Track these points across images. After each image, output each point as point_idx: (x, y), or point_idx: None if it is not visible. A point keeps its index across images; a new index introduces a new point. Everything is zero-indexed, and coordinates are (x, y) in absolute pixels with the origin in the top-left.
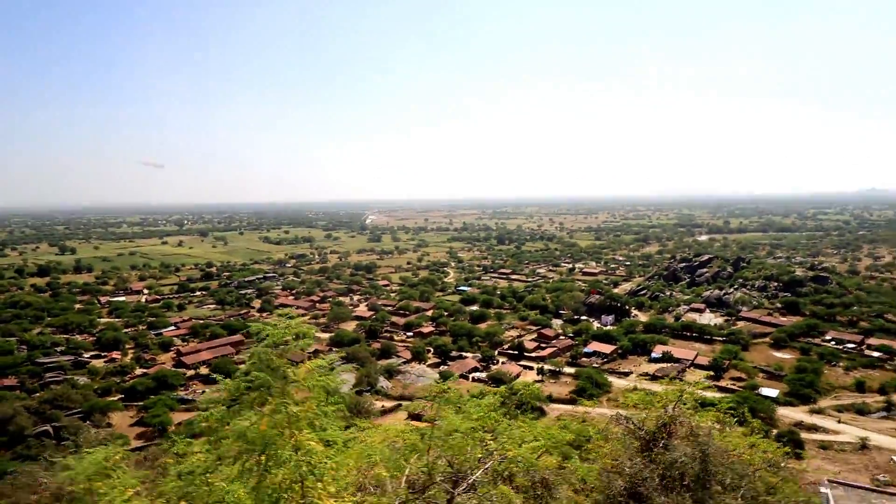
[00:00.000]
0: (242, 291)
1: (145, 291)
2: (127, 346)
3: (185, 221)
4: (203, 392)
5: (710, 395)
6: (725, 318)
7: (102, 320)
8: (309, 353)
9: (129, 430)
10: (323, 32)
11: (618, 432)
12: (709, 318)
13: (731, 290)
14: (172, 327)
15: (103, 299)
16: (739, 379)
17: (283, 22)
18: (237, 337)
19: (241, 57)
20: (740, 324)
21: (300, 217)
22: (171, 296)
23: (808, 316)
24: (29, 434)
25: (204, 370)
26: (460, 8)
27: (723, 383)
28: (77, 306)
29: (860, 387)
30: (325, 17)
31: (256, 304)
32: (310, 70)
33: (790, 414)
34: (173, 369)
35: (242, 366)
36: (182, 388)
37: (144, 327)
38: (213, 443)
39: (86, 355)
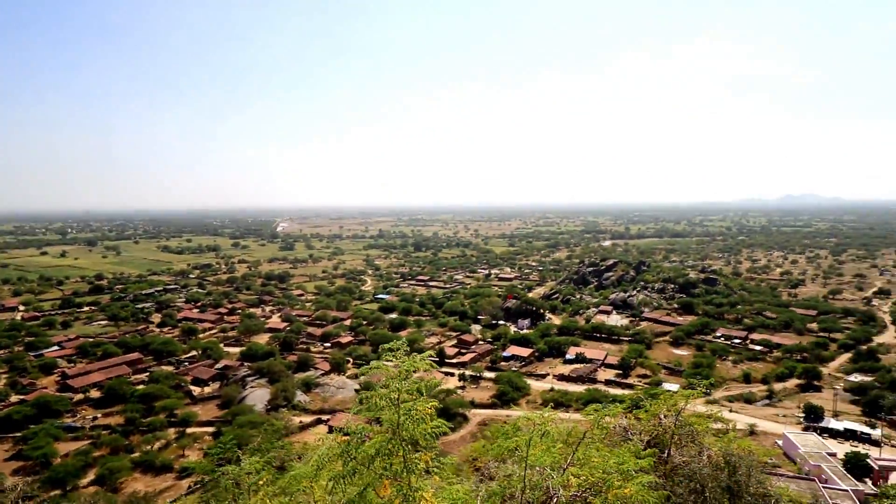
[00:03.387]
0: (139, 305)
1: (21, 308)
2: None
3: (69, 230)
4: (95, 418)
5: (619, 391)
6: (630, 318)
7: None
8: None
9: (3, 465)
10: (231, 33)
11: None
12: (616, 320)
13: (635, 292)
14: (56, 347)
15: None
16: (645, 376)
17: (185, 26)
18: (135, 355)
19: (136, 55)
20: (644, 324)
21: (203, 225)
22: (53, 312)
23: (700, 315)
24: None
25: (95, 393)
26: (368, 11)
27: (630, 380)
28: None
29: (747, 378)
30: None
31: (156, 318)
32: (211, 73)
33: (689, 406)
34: (57, 394)
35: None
36: (69, 415)
37: (21, 348)
38: None
39: None
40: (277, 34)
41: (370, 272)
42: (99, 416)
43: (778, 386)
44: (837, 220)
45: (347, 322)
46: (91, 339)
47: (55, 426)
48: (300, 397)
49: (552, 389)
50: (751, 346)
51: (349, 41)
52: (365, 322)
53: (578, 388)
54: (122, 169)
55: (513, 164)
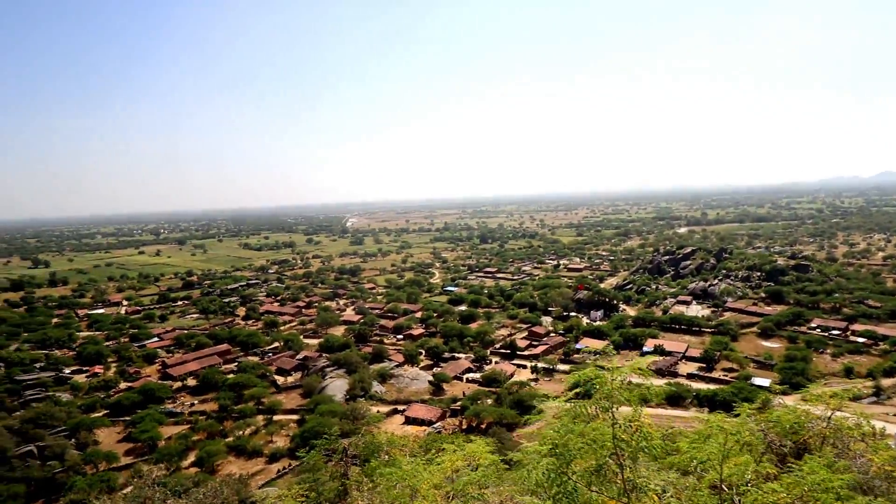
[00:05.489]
0: (226, 299)
1: (124, 303)
2: (109, 360)
3: (162, 230)
4: (192, 404)
5: (703, 386)
6: (712, 309)
7: (82, 334)
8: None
9: (116, 446)
10: (300, 38)
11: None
12: (696, 310)
13: (716, 281)
14: (156, 339)
15: (81, 312)
16: (731, 370)
17: (260, 29)
18: (224, 346)
19: (214, 61)
20: (727, 314)
21: (279, 222)
22: (151, 306)
23: (792, 304)
24: (12, 455)
25: (192, 381)
26: (436, 9)
27: (715, 374)
28: (54, 321)
29: (849, 373)
30: (299, 24)
31: (241, 311)
32: (283, 76)
33: (784, 403)
34: (159, 382)
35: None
36: (170, 401)
37: (126, 340)
38: None
39: (67, 371)
40: (337, 33)
41: (438, 265)
42: (196, 402)
43: (886, 382)
44: None
45: (418, 314)
46: (185, 331)
47: (159, 411)
48: (376, 388)
49: (630, 383)
50: (852, 338)
51: (410, 32)
52: (435, 314)
53: (658, 382)
54: (203, 171)
55: (579, 151)
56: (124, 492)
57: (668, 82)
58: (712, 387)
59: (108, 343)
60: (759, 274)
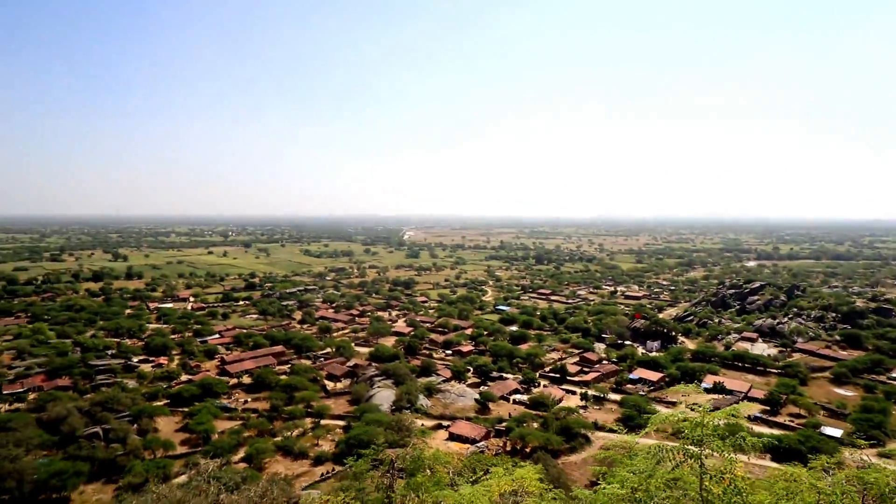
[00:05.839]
0: (284, 302)
1: (191, 299)
2: (173, 352)
3: (230, 233)
4: (246, 401)
5: (766, 430)
6: (780, 349)
7: (151, 326)
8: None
9: (174, 435)
10: (358, 51)
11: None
12: (762, 349)
13: (786, 319)
14: (217, 335)
15: (152, 305)
16: (798, 416)
17: (313, 43)
18: (279, 347)
19: (281, 72)
20: (796, 356)
21: (339, 231)
22: (215, 304)
23: (871, 350)
24: (80, 435)
25: (247, 379)
26: (495, 25)
27: (780, 419)
28: (127, 311)
29: None
30: (360, 38)
31: (297, 315)
32: (350, 88)
33: (867, 459)
34: (217, 377)
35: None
36: (225, 397)
37: (190, 334)
38: None
39: (135, 360)
40: (399, 43)
41: (491, 283)
42: (249, 399)
43: None
44: None
45: (468, 331)
46: (244, 331)
47: (215, 405)
48: (422, 401)
49: (685, 420)
50: None
51: (470, 52)
52: (485, 332)
53: (716, 422)
54: (268, 178)
55: (643, 174)
56: (178, 480)
57: (744, 104)
58: (776, 432)
59: (173, 336)
60: (834, 315)
